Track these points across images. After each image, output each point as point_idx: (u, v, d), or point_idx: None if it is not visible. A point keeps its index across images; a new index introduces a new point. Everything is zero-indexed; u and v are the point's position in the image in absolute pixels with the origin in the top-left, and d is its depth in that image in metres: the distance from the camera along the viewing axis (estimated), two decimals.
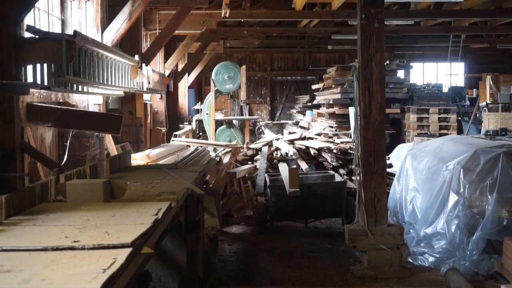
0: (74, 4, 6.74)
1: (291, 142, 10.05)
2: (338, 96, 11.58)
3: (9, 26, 4.04)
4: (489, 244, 5.28)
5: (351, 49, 20.63)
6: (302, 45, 21.43)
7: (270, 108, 23.72)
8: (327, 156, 8.92)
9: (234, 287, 5.17)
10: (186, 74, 16.82)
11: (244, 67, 14.29)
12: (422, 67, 24.61)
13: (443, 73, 23.71)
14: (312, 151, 9.24)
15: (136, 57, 7.49)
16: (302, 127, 15.12)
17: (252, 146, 10.26)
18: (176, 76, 14.33)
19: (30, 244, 2.13)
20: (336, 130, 11.06)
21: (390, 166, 8.71)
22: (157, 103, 12.04)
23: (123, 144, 8.61)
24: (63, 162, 5.90)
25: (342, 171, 8.67)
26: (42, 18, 6.08)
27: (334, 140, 9.68)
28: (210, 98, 14.07)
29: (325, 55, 23.68)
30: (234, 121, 14.21)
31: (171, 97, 14.11)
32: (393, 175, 7.84)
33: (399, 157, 9.81)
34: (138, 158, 7.44)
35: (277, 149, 9.76)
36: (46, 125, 5.09)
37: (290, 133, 13.65)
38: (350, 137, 9.50)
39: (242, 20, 15.85)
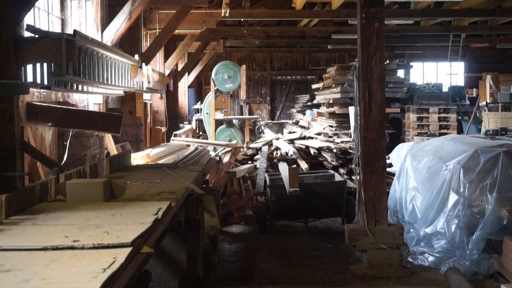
0: (74, 3, 6.74)
1: (291, 141, 10.05)
2: (338, 95, 11.58)
3: (9, 26, 4.03)
4: (489, 244, 5.28)
5: (351, 48, 20.63)
6: (302, 44, 21.42)
7: (270, 108, 23.72)
8: (327, 155, 8.92)
9: (234, 287, 5.17)
10: (186, 74, 16.81)
11: (244, 66, 14.29)
12: (422, 66, 24.61)
13: (443, 73, 23.71)
14: (312, 151, 9.23)
15: (136, 57, 7.49)
16: (302, 127, 15.11)
17: (252, 145, 10.25)
18: (176, 75, 14.32)
19: (30, 243, 2.13)
20: (336, 130, 11.06)
21: (390, 165, 8.71)
22: (157, 102, 12.03)
23: (123, 144, 8.61)
24: (63, 161, 5.90)
25: (342, 170, 8.67)
26: (42, 18, 6.07)
27: (334, 140, 9.68)
28: (210, 97, 14.07)
29: (325, 55, 23.67)
30: (234, 121, 14.21)
31: (171, 97, 14.10)
32: (393, 174, 7.84)
33: (399, 157, 9.81)
34: (138, 158, 7.44)
35: (277, 148, 9.76)
36: (46, 124, 5.09)
37: (290, 132, 13.65)
38: (350, 137, 9.50)
39: (242, 19, 15.85)
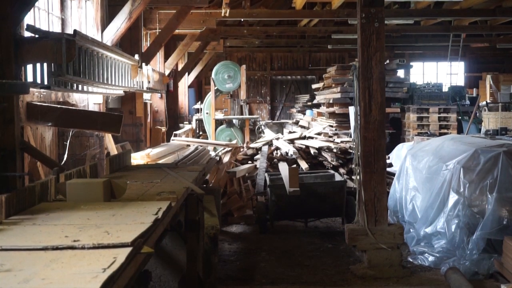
0: (74, 3, 6.74)
1: (291, 141, 10.05)
2: (338, 95, 11.58)
3: (9, 26, 4.03)
4: (489, 244, 5.28)
5: (351, 48, 20.63)
6: (302, 44, 21.41)
7: (270, 108, 23.72)
8: (327, 155, 8.91)
9: (234, 287, 5.17)
10: (186, 74, 16.81)
11: (244, 66, 14.29)
12: (422, 66, 24.61)
13: (443, 73, 23.71)
14: (312, 151, 9.24)
15: (136, 57, 7.49)
16: (302, 127, 15.11)
17: (252, 145, 10.25)
18: (176, 75, 14.32)
19: (30, 243, 2.13)
20: (336, 130, 11.06)
21: (390, 165, 8.70)
22: (157, 102, 12.03)
23: (123, 144, 8.61)
24: (63, 161, 5.90)
25: (342, 170, 8.67)
26: (42, 18, 6.07)
27: (334, 140, 9.69)
28: (210, 97, 14.06)
29: (325, 55, 23.67)
30: (234, 121, 14.21)
31: (171, 97, 14.10)
32: (393, 174, 7.84)
33: (399, 157, 9.81)
34: (138, 158, 7.43)
35: (277, 148, 9.76)
36: (46, 124, 5.09)
37: (290, 132, 13.65)
38: (350, 137, 9.50)
39: (242, 19, 15.84)
